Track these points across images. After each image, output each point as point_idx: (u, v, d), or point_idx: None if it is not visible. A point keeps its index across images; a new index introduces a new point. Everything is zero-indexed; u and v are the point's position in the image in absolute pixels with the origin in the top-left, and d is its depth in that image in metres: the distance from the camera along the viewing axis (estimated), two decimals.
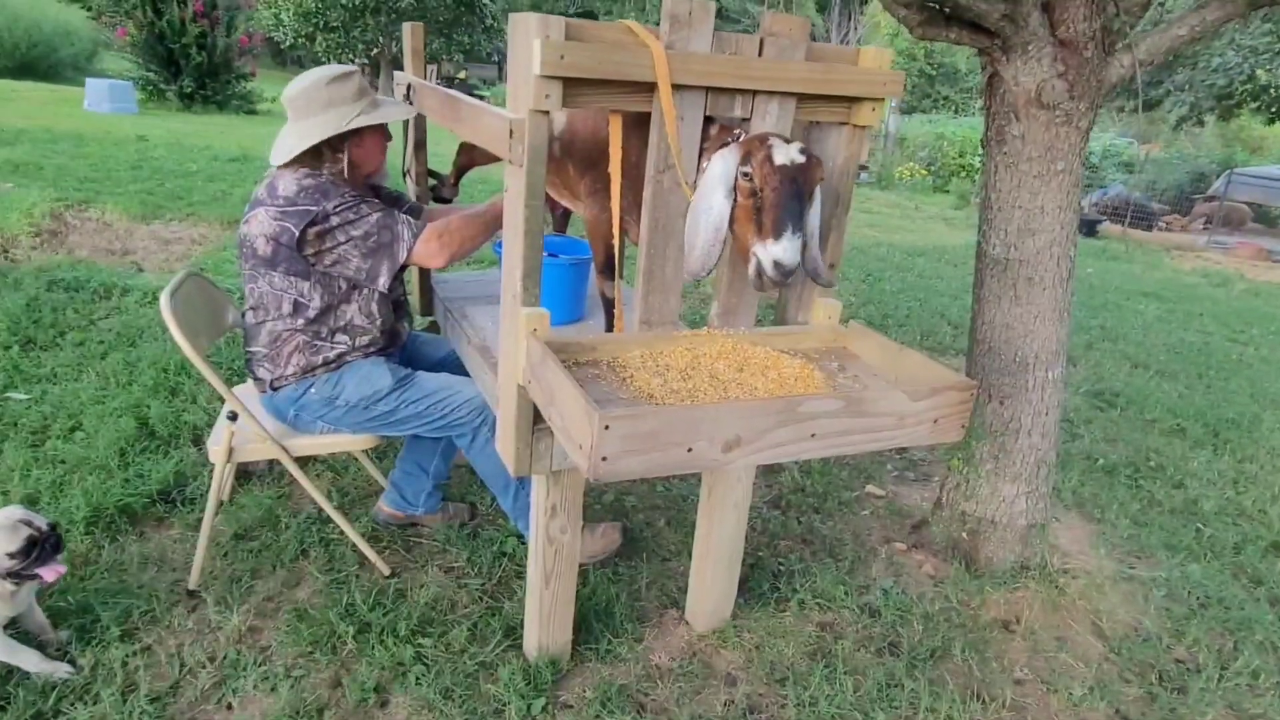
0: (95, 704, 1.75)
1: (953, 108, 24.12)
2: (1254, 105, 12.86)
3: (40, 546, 1.73)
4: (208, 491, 2.40)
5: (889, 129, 17.49)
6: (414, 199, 2.51)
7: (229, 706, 1.81)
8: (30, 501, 2.37)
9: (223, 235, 5.21)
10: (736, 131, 1.60)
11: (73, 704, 1.75)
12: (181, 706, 1.80)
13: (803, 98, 1.64)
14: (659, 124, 1.53)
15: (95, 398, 2.94)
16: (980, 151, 2.27)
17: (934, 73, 26.07)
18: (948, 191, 14.46)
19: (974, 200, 13.03)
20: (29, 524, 1.75)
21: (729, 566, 2.12)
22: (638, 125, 1.61)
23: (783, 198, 1.45)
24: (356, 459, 2.71)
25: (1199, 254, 11.00)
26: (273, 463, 2.67)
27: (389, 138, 2.16)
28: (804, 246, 1.51)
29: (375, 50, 16.31)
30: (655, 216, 1.61)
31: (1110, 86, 2.12)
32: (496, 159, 2.46)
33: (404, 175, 2.61)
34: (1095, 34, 2.03)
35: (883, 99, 1.68)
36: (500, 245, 2.34)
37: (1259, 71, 11.97)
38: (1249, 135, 20.26)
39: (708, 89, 1.55)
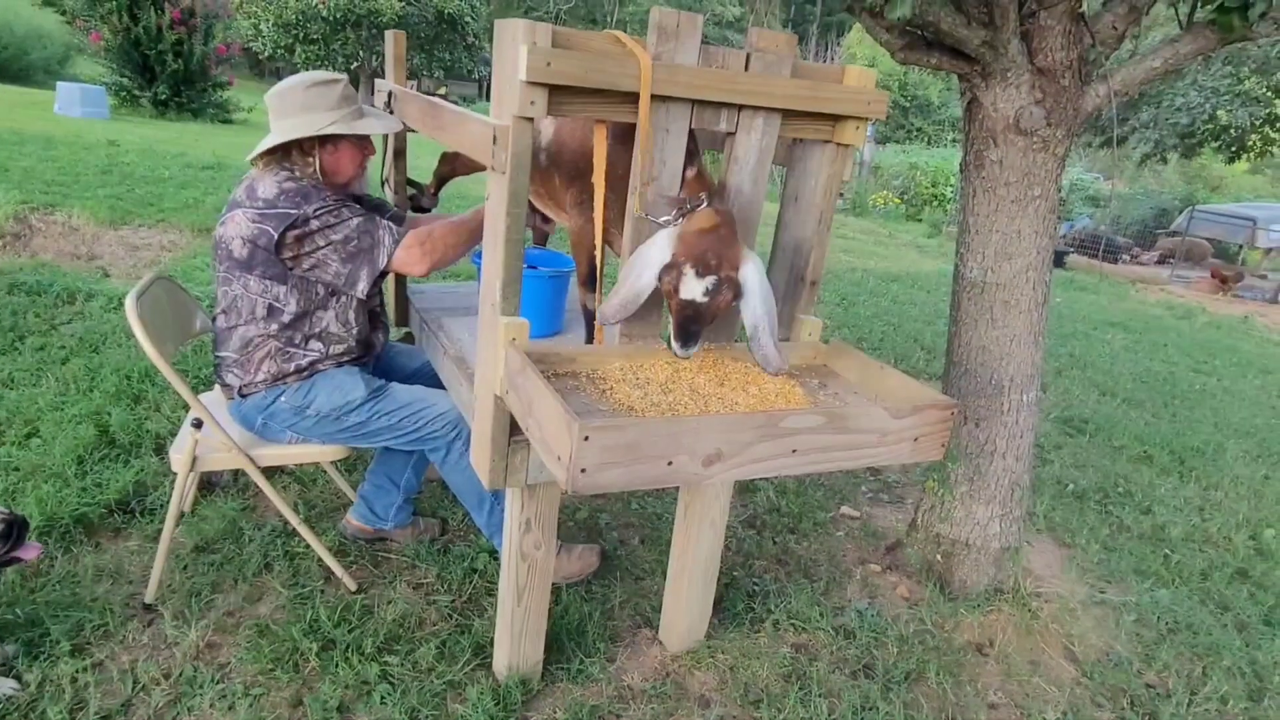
0: None
1: (926, 139, 24.58)
2: (1214, 144, 13.25)
3: (14, 529, 1.68)
4: (168, 502, 2.34)
5: (864, 157, 17.75)
6: (396, 208, 2.48)
7: None
8: None
9: (194, 242, 5.12)
10: (699, 197, 1.59)
11: None
12: None
13: (788, 114, 1.64)
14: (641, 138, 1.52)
15: (54, 404, 2.85)
16: (956, 179, 2.30)
17: (908, 104, 26.55)
18: (920, 220, 14.68)
19: (946, 229, 13.25)
20: None
21: (704, 585, 2.09)
22: (626, 137, 1.60)
23: (681, 319, 1.51)
24: (324, 470, 2.65)
25: (1163, 287, 11.25)
26: (237, 473, 2.61)
27: (370, 151, 2.12)
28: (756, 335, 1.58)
29: (355, 64, 16.27)
30: (638, 229, 1.60)
31: (1086, 115, 2.15)
32: (479, 169, 2.46)
33: (383, 184, 2.57)
34: (1072, 63, 2.07)
35: (866, 118, 1.69)
36: (479, 256, 2.32)
37: (1219, 112, 12.35)
38: (1210, 174, 20.88)
39: (694, 102, 1.54)
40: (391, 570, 2.32)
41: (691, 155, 1.62)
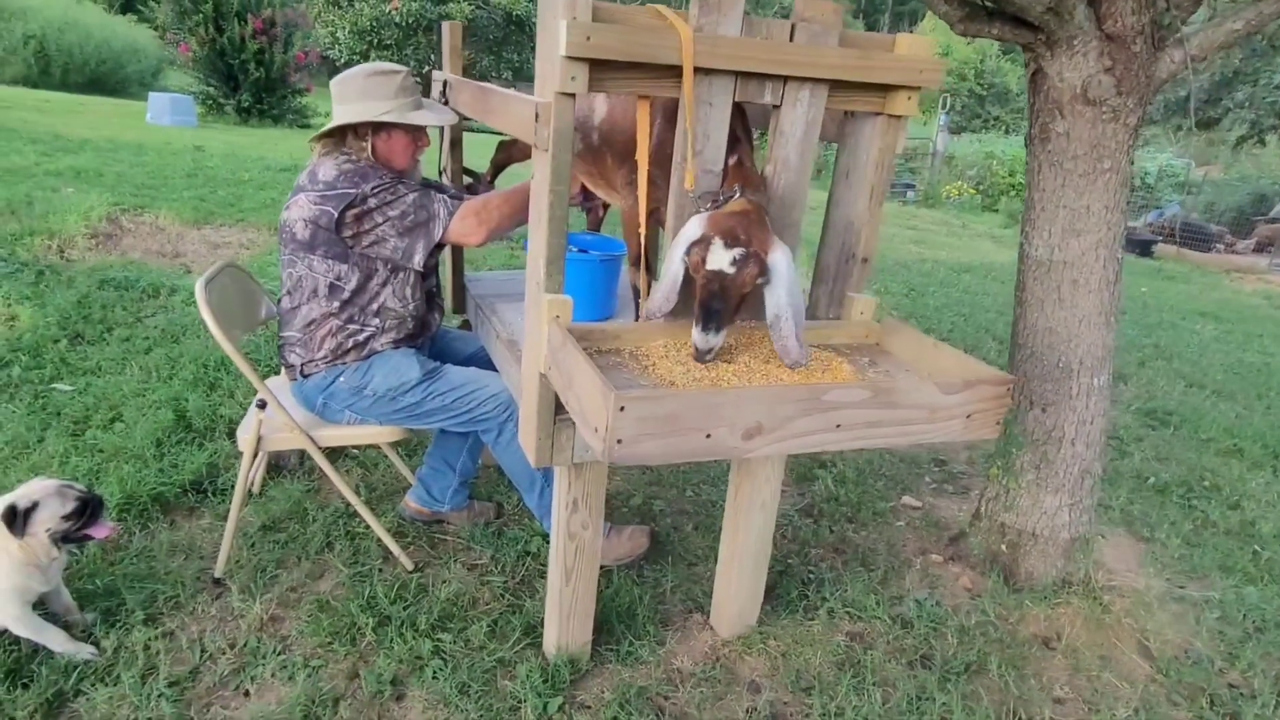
0: (115, 685, 1.76)
1: (1004, 127, 23.78)
2: None
3: (90, 507, 1.77)
4: (234, 482, 2.44)
5: (937, 148, 17.29)
6: (456, 191, 2.52)
7: (246, 693, 1.81)
8: None
9: (270, 240, 5.32)
10: (732, 189, 1.56)
11: (94, 685, 1.76)
12: (199, 691, 1.80)
13: (836, 85, 1.60)
14: (686, 111, 1.51)
15: (136, 390, 3.00)
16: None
17: (984, 93, 25.76)
18: (996, 211, 14.21)
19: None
20: (71, 487, 1.79)
21: (755, 569, 2.07)
22: (671, 113, 1.59)
23: (705, 296, 1.47)
24: (385, 454, 2.72)
25: (1261, 276, 10.60)
26: (303, 457, 2.70)
27: (425, 143, 2.16)
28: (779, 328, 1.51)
29: (427, 68, 16.66)
30: (681, 205, 1.58)
31: (1160, 83, 2.04)
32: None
33: (440, 174, 2.62)
34: (1144, 28, 1.96)
35: (919, 88, 1.64)
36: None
37: None
38: None
39: (737, 74, 1.52)
40: (447, 551, 2.36)
41: (735, 141, 1.60)
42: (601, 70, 1.43)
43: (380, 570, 2.24)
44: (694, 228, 1.46)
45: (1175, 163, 16.35)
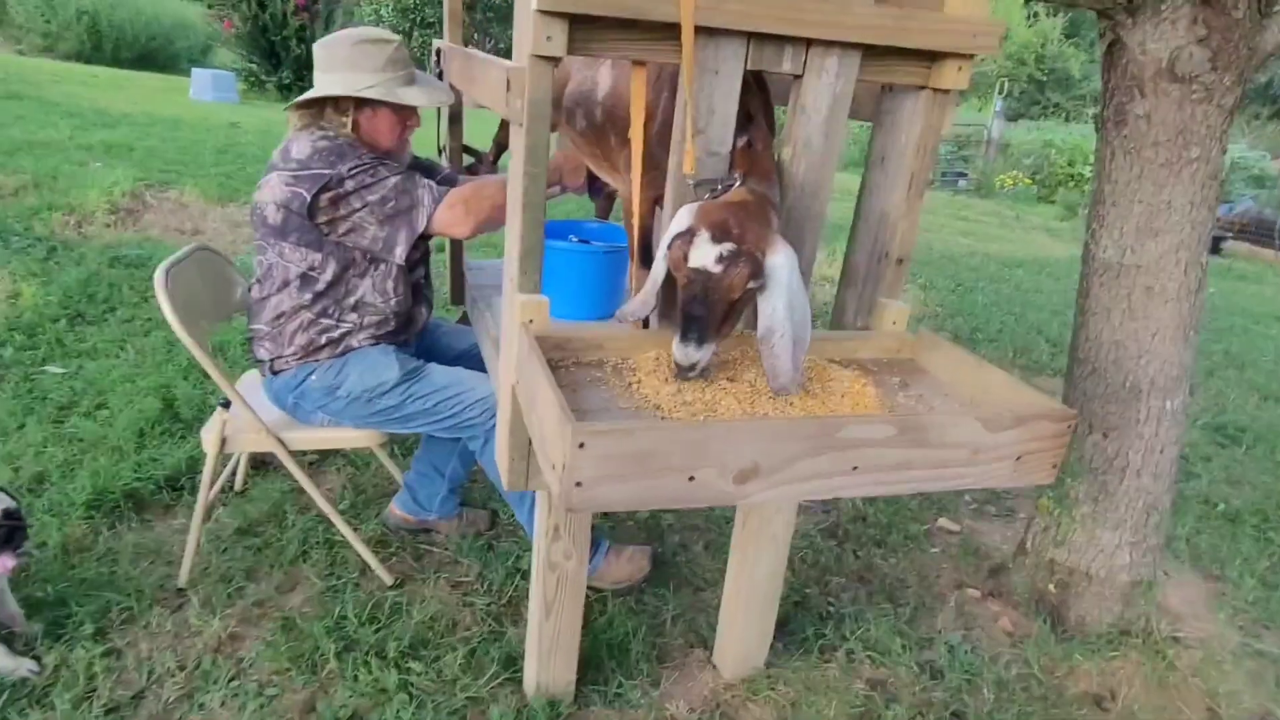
0: (47, 710, 1.60)
1: (1064, 115, 22.84)
2: None
3: None
4: (216, 482, 2.27)
5: (991, 135, 16.63)
6: (450, 171, 2.31)
7: None
8: (37, 480, 2.28)
9: None
10: (733, 176, 1.31)
11: (24, 709, 1.60)
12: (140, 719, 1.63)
13: (869, 51, 1.34)
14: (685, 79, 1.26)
15: (127, 375, 2.86)
16: (1095, 156, 1.92)
17: (1044, 78, 24.78)
18: (1053, 202, 13.58)
19: (1082, 211, 12.18)
20: None
21: (764, 609, 1.83)
22: (674, 83, 1.35)
23: (686, 298, 1.21)
24: (376, 454, 2.53)
25: None
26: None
27: (414, 123, 1.94)
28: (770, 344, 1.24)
29: (470, 45, 16.51)
30: (680, 192, 1.34)
31: (1264, 56, 1.73)
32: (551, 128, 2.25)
33: (439, 152, 2.41)
34: None
35: (971, 56, 1.37)
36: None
37: None
38: None
39: (750, 35, 1.27)
40: (432, 564, 2.17)
41: (749, 120, 1.35)
42: (584, 29, 1.19)
43: (357, 584, 2.06)
44: (682, 218, 1.22)
45: (1249, 155, 15.47)
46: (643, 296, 1.32)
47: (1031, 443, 1.18)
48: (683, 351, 1.20)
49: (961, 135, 17.90)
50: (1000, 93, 17.93)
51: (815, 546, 2.43)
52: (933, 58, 1.38)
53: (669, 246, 1.21)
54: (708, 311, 1.18)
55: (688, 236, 1.18)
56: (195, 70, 11.08)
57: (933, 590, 2.27)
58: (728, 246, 1.15)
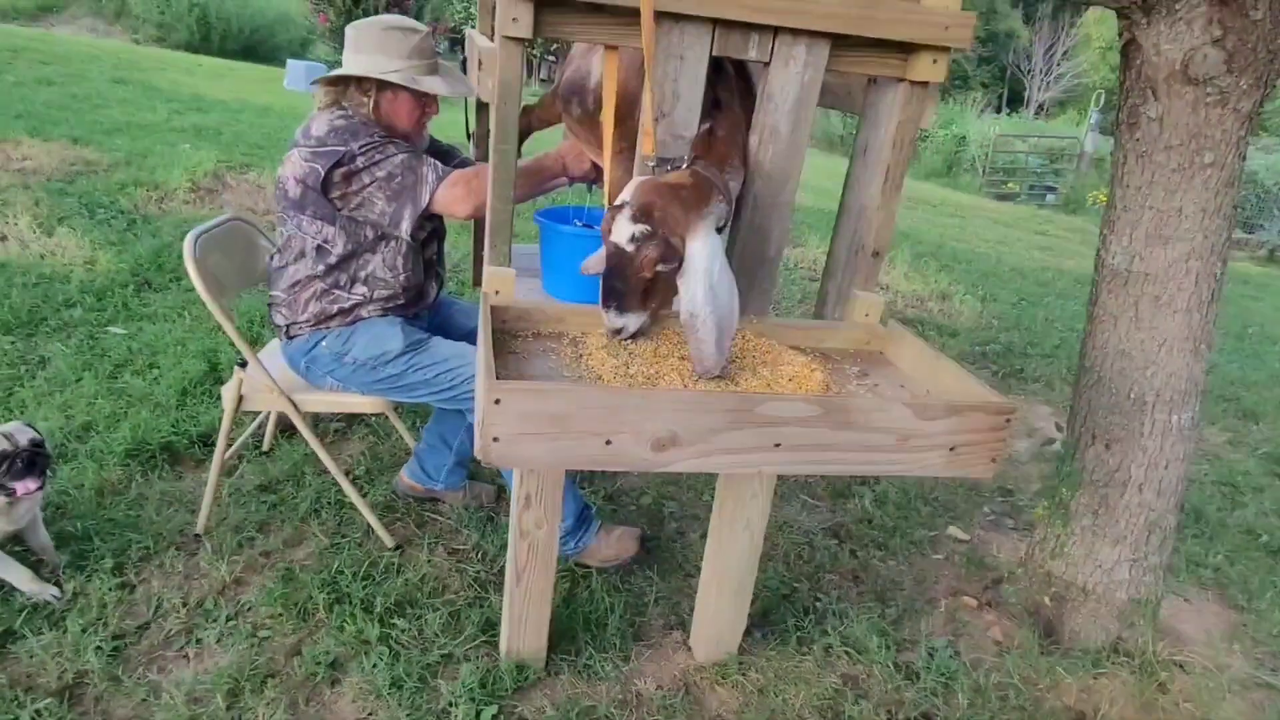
0: (60, 631, 1.74)
1: None
2: None
3: (11, 461, 1.74)
4: (247, 438, 2.42)
5: (1085, 148, 16.01)
6: (472, 158, 2.40)
7: (186, 657, 1.76)
8: (85, 428, 2.47)
9: None
10: (680, 159, 1.35)
11: (40, 628, 1.75)
12: (141, 648, 1.76)
13: (840, 41, 1.35)
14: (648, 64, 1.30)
15: (180, 339, 3.06)
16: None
17: None
18: None
19: None
20: (8, 437, 1.76)
21: (736, 594, 1.85)
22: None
23: (606, 269, 1.29)
24: (395, 425, 2.65)
25: None
26: (317, 419, 2.66)
27: (432, 110, 2.04)
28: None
29: (556, 44, 16.80)
30: (642, 171, 1.38)
31: None
32: (551, 121, 2.32)
33: (468, 137, 2.50)
34: None
35: (947, 49, 1.36)
36: (540, 215, 2.19)
37: None
38: None
39: (714, 21, 1.30)
40: (433, 532, 2.26)
41: (717, 106, 1.38)
42: (550, 12, 1.25)
43: (360, 544, 2.16)
44: (625, 191, 1.26)
45: None
46: (598, 256, 1.37)
47: (966, 434, 1.18)
48: (607, 316, 1.25)
49: (1055, 148, 17.27)
50: (1097, 104, 17.21)
51: (815, 544, 2.42)
52: (908, 49, 1.38)
53: (606, 213, 1.25)
54: (624, 285, 1.23)
55: (616, 210, 1.22)
56: (290, 61, 11.63)
57: (926, 595, 2.24)
58: (641, 228, 1.19)
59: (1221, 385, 4.47)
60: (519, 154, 2.48)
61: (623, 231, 1.21)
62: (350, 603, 1.92)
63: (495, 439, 1.04)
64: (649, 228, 1.20)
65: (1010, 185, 15.64)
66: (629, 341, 1.30)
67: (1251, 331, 6.14)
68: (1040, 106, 28.94)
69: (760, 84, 1.39)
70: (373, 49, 1.93)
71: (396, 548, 2.17)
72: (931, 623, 2.12)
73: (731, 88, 1.42)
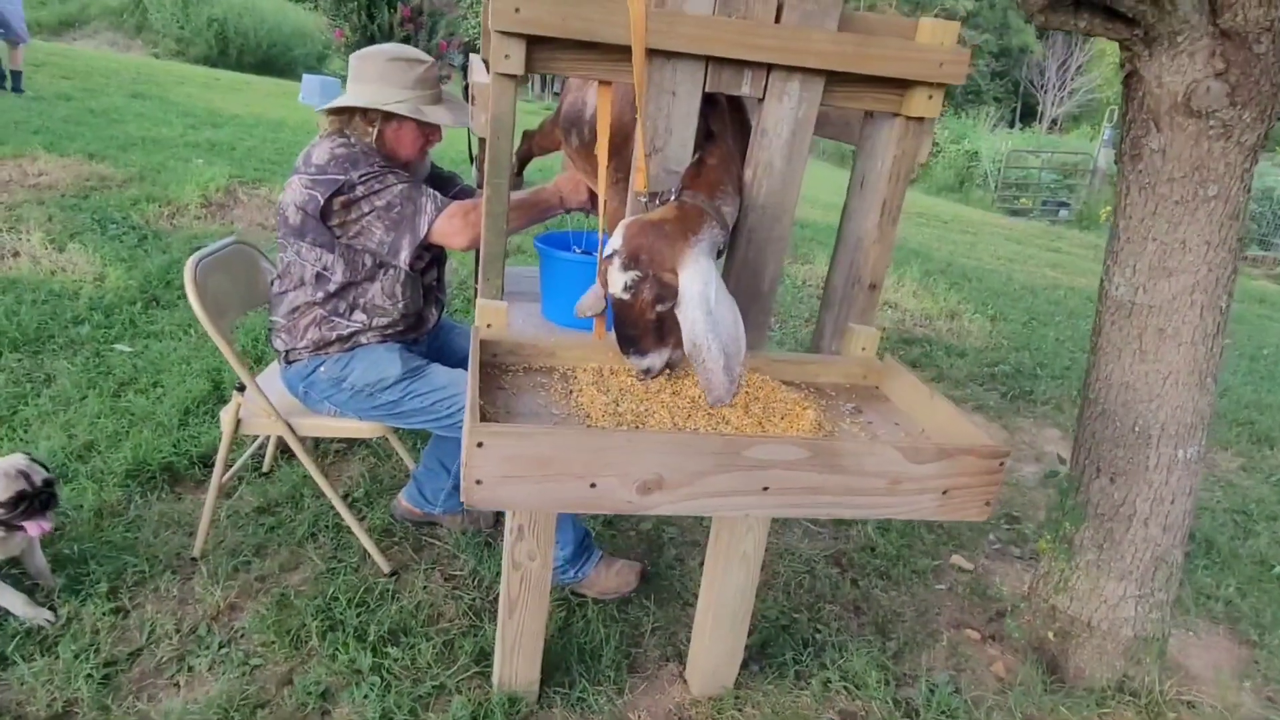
0: (52, 657, 1.74)
1: None
2: None
3: (29, 501, 1.75)
4: (247, 460, 2.43)
5: (1097, 164, 15.92)
6: (474, 185, 2.41)
7: (177, 685, 1.75)
8: (87, 448, 2.48)
9: None
10: (667, 193, 1.35)
11: (32, 654, 1.75)
12: (132, 676, 1.75)
13: (835, 77, 1.34)
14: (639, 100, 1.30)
15: (184, 357, 3.07)
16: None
17: None
18: None
19: None
20: (26, 476, 1.77)
21: (733, 626, 1.82)
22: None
23: (615, 320, 1.29)
24: (395, 447, 2.64)
25: None
26: (317, 441, 2.66)
27: (436, 138, 2.05)
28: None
29: None
30: (635, 207, 1.37)
31: None
32: (552, 148, 2.32)
33: (472, 162, 2.51)
34: (1273, 23, 1.57)
35: (941, 85, 1.35)
36: (540, 239, 2.19)
37: None
38: None
39: (708, 59, 1.29)
40: (430, 557, 2.25)
41: (710, 138, 1.37)
42: (542, 49, 1.25)
43: (356, 569, 2.16)
44: (614, 238, 1.25)
45: None
46: (595, 294, 1.37)
47: (958, 477, 1.16)
48: (630, 361, 1.28)
49: (1067, 164, 17.19)
50: (1110, 120, 17.14)
51: (816, 573, 2.40)
52: (903, 85, 1.37)
53: (600, 263, 1.25)
54: (635, 330, 1.23)
55: (608, 260, 1.22)
56: (306, 76, 11.76)
57: (928, 627, 2.21)
58: (632, 275, 1.19)
59: (1235, 409, 4.41)
60: (521, 181, 2.52)
61: (616, 282, 1.21)
62: (344, 630, 1.91)
63: (478, 481, 1.03)
64: (639, 272, 1.20)
65: (1023, 201, 15.58)
66: (644, 377, 1.31)
67: (1267, 353, 6.07)
68: (1054, 121, 28.85)
69: (755, 118, 1.38)
70: (377, 79, 1.93)
71: (393, 573, 2.16)
72: (933, 656, 2.09)
73: (725, 119, 1.41)
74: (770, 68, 1.31)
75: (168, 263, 3.99)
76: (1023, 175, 16.47)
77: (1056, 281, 7.73)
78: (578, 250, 2.15)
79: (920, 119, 1.40)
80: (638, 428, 1.20)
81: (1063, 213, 15.21)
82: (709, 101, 1.35)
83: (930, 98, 1.36)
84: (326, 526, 2.29)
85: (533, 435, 1.02)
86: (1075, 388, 4.46)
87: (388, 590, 2.08)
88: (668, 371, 1.33)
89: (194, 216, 4.96)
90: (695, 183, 1.31)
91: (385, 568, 2.17)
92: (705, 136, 1.37)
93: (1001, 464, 1.16)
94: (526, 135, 2.41)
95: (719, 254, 1.33)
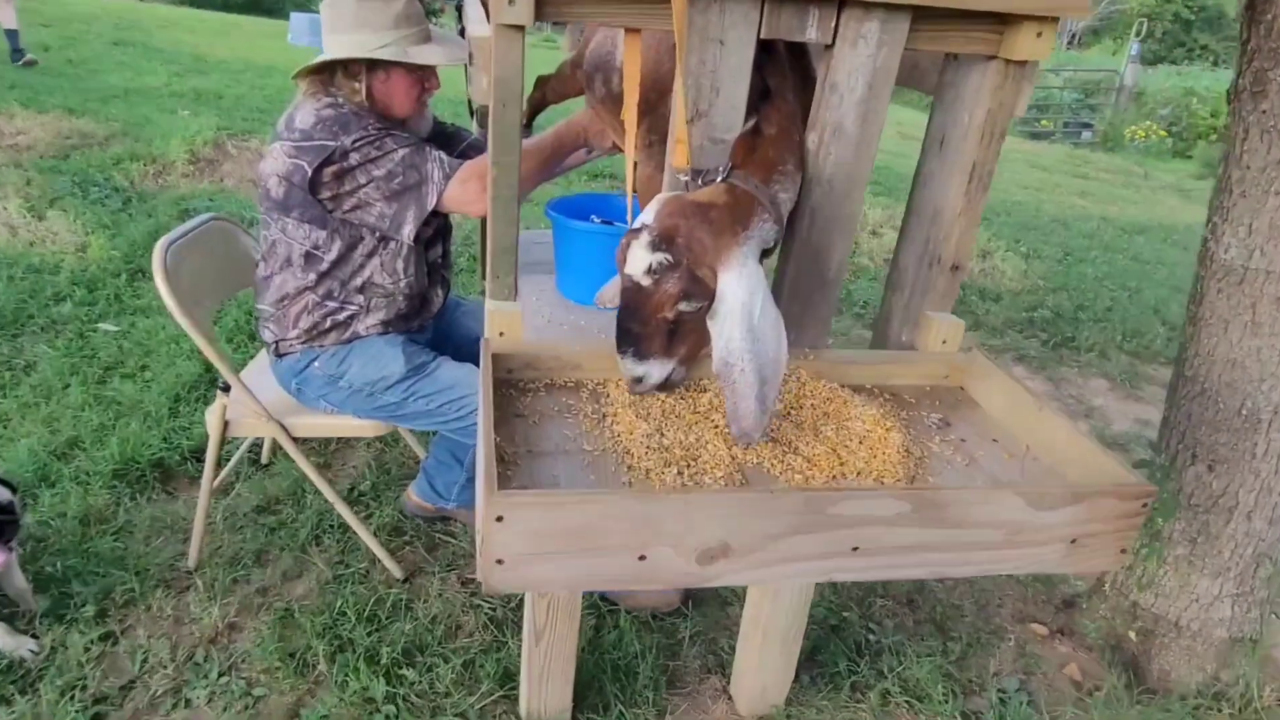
0: (32, 697, 1.57)
1: (1211, 59, 20.71)
2: None
3: None
4: (244, 454, 2.24)
5: (1124, 81, 15.26)
6: (479, 138, 2.14)
7: None
8: (71, 445, 2.28)
9: None
10: (714, 170, 1.08)
11: (10, 694, 1.58)
12: (124, 714, 1.59)
13: (920, 13, 1.07)
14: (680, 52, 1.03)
15: (174, 335, 2.86)
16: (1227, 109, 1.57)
17: (1192, 17, 22.49)
18: (1189, 157, 12.39)
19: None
20: None
21: (785, 642, 1.63)
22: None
23: (620, 308, 1.05)
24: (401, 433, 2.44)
25: None
26: None
27: (433, 85, 1.78)
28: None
29: None
30: (674, 184, 1.12)
31: None
32: (570, 94, 2.04)
33: (471, 113, 2.23)
34: None
35: (1054, 20, 1.08)
36: (553, 205, 1.93)
37: None
38: None
39: None
40: (445, 557, 2.07)
41: (767, 98, 1.11)
42: None
43: (365, 575, 1.98)
44: (647, 211, 1.01)
45: None
46: (616, 284, 1.13)
47: (1092, 524, 0.93)
48: (623, 364, 1.03)
49: (1090, 82, 16.49)
50: (1138, 34, 16.37)
51: None
52: (1004, 20, 1.10)
53: (622, 239, 1.01)
54: (640, 327, 0.99)
55: (635, 234, 0.98)
56: (293, 14, 11.24)
57: (990, 623, 2.02)
58: (661, 257, 0.95)
59: None
60: (529, 132, 2.24)
61: (639, 261, 0.97)
62: (353, 651, 1.74)
63: (499, 561, 0.81)
64: (670, 257, 0.96)
65: (1044, 123, 14.97)
66: (632, 388, 1.07)
67: None
68: (1073, 37, 27.67)
69: (821, 69, 1.11)
70: (352, 26, 1.66)
71: (405, 578, 1.98)
72: (1000, 659, 1.90)
73: (784, 73, 1.14)
74: (842, 4, 1.04)
75: (154, 227, 3.75)
76: (1043, 96, 15.79)
77: (1087, 211, 7.38)
78: (596, 220, 1.90)
79: (1022, 63, 1.13)
80: (693, 480, 0.97)
81: (1086, 134, 14.64)
82: (765, 50, 1.09)
83: (1040, 35, 1.09)
84: (332, 526, 2.11)
85: (565, 504, 0.80)
86: (1121, 331, 4.21)
87: (400, 601, 1.90)
88: (660, 388, 1.09)
89: (181, 174, 4.69)
90: (749, 160, 1.06)
91: (397, 573, 1.99)
92: (761, 95, 1.11)
93: (1145, 505, 0.94)
94: (540, 81, 2.12)
95: (769, 252, 1.09)
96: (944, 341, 1.29)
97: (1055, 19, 1.08)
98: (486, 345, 1.12)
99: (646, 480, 0.96)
